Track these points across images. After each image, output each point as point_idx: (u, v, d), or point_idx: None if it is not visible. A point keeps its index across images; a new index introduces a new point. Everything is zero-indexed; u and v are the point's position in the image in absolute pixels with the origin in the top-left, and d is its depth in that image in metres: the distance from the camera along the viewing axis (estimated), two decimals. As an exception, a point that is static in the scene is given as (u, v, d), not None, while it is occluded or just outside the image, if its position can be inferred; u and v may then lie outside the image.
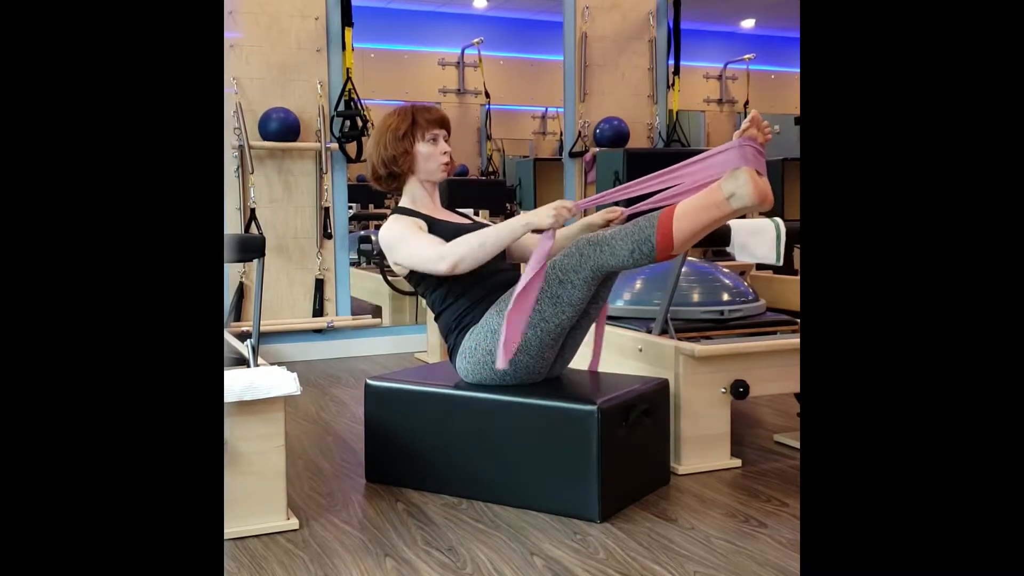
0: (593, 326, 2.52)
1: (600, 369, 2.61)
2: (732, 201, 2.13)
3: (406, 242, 2.38)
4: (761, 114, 2.14)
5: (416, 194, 2.53)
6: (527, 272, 2.22)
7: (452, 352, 2.45)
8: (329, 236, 4.67)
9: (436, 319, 2.51)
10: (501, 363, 2.23)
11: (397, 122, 2.48)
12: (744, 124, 2.12)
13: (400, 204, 2.54)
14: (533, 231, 2.34)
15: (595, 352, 2.59)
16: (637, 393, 2.37)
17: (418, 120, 2.48)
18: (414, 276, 2.48)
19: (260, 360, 2.36)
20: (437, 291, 2.46)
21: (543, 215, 2.26)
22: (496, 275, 2.45)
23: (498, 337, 2.31)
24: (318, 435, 3.11)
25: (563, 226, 2.31)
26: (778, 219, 2.82)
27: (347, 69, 4.60)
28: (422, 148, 2.48)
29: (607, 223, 2.41)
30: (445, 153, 2.50)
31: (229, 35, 4.44)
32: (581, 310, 2.32)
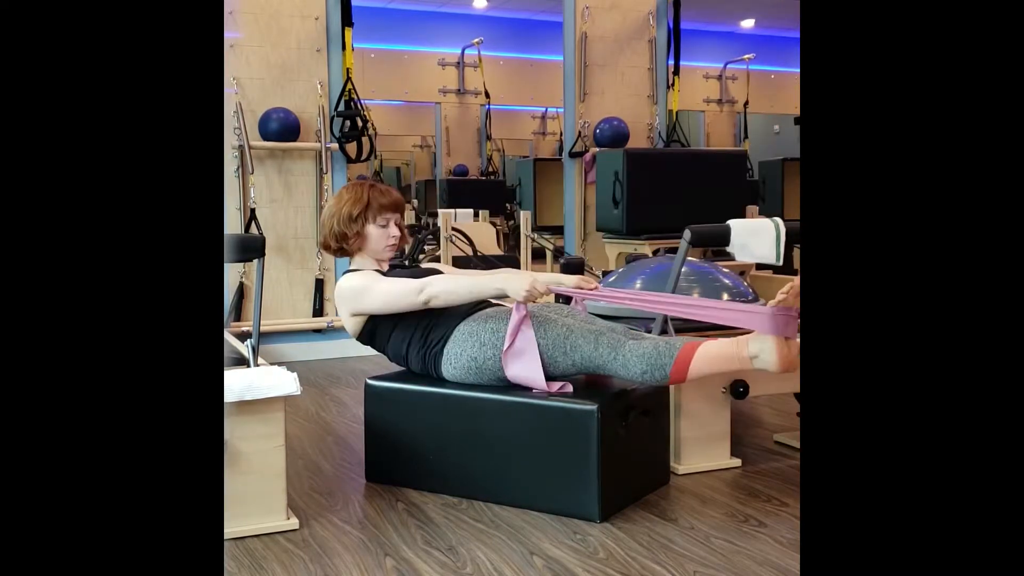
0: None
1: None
2: (755, 362, 2.16)
3: (378, 284, 2.44)
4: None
5: (366, 265, 2.60)
6: (507, 339, 2.30)
7: (435, 372, 2.46)
8: (329, 236, 4.67)
9: (404, 364, 2.54)
10: None
11: (351, 203, 2.54)
12: (779, 295, 2.08)
13: (351, 267, 2.60)
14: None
15: None
16: (637, 393, 2.37)
17: (372, 203, 2.54)
18: (365, 333, 2.54)
19: (260, 360, 2.37)
20: (393, 336, 2.50)
21: (516, 287, 2.29)
22: (459, 307, 2.48)
23: (483, 341, 2.34)
24: (318, 435, 3.11)
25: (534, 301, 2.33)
26: (778, 219, 2.82)
27: (347, 69, 4.60)
28: (372, 231, 2.56)
29: (578, 288, 2.44)
30: (393, 236, 2.58)
31: (229, 35, 4.44)
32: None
